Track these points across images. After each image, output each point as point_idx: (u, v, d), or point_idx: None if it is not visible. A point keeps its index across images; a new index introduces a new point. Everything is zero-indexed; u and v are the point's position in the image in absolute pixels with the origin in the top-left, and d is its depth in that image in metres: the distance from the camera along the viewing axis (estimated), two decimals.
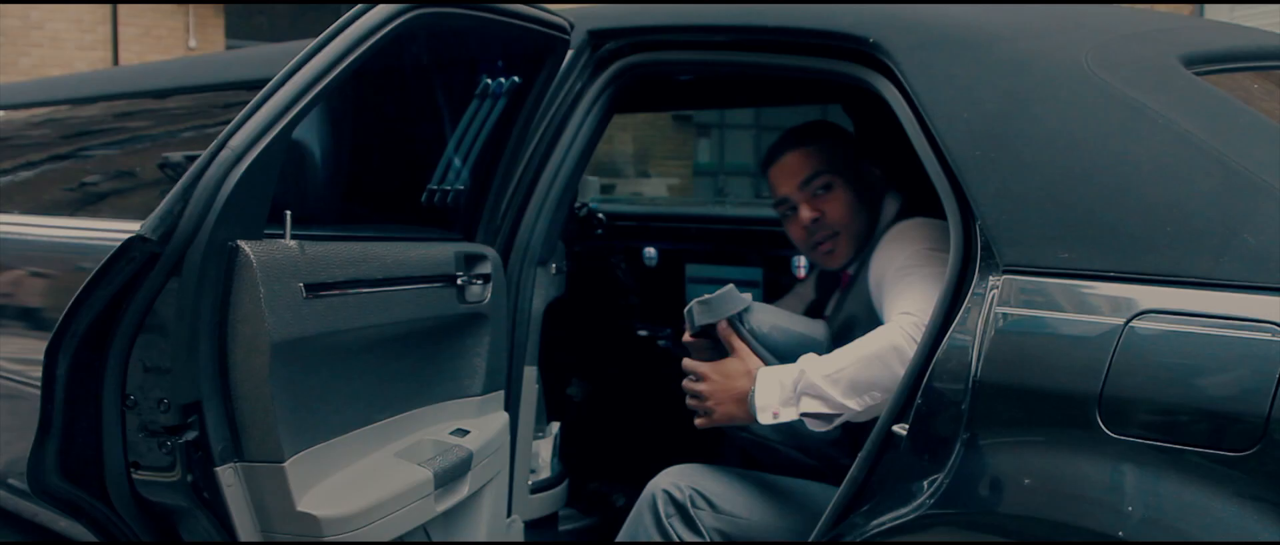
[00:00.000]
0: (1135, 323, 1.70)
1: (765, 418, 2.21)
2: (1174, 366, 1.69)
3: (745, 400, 2.25)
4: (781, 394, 2.20)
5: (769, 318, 2.42)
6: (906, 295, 2.20)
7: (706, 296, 2.37)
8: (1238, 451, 1.58)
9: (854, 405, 2.12)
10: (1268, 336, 1.58)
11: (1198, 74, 2.03)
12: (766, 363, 2.32)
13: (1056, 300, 1.81)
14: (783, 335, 2.39)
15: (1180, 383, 1.67)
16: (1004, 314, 1.83)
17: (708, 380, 2.32)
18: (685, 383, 2.37)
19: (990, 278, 1.86)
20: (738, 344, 2.32)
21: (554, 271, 2.75)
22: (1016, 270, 1.84)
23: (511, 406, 2.63)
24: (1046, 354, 1.80)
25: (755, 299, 2.39)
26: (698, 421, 2.35)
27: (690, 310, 2.40)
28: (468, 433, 2.44)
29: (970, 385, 1.82)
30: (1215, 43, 2.28)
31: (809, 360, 2.20)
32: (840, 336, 2.43)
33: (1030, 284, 1.83)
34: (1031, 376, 1.79)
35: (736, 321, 2.34)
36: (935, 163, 2.01)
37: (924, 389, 1.90)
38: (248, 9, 14.72)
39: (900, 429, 1.94)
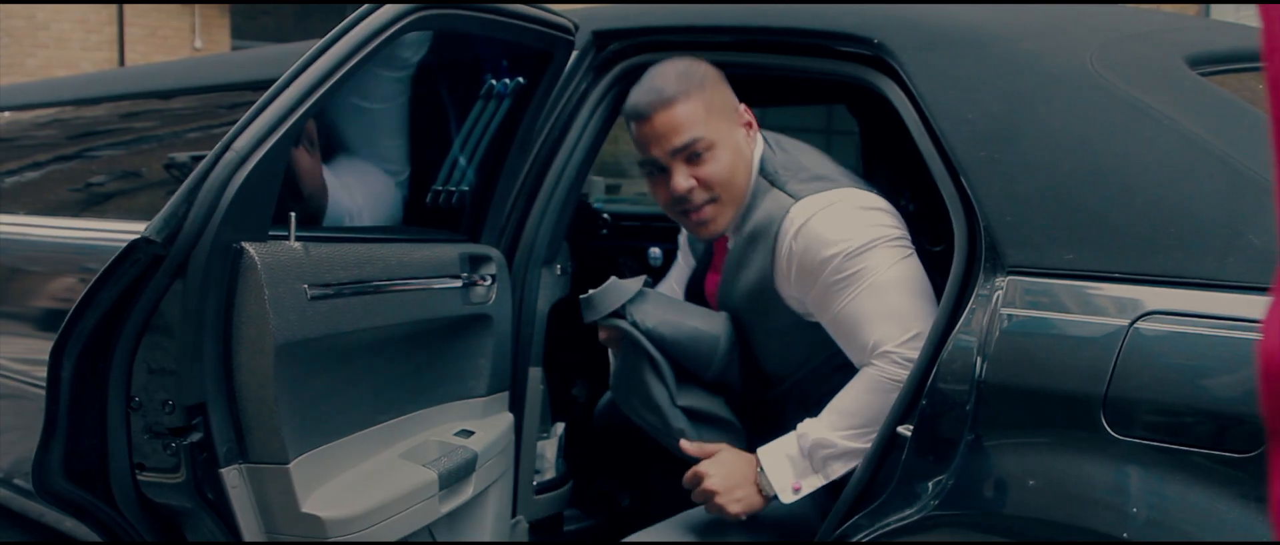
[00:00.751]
0: (1140, 324, 1.69)
1: (788, 496, 2.14)
2: (1179, 368, 1.68)
3: (750, 483, 2.17)
4: (795, 467, 2.14)
5: (658, 311, 2.34)
6: (874, 323, 2.11)
7: (590, 292, 2.33)
8: (1242, 453, 1.58)
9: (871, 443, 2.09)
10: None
11: (1202, 74, 2.03)
12: (655, 360, 2.30)
13: (1061, 301, 1.80)
14: (671, 330, 2.31)
15: (1185, 384, 1.66)
16: (1008, 315, 1.83)
17: (710, 478, 2.18)
18: (694, 493, 2.23)
19: (995, 279, 1.86)
20: (712, 448, 2.26)
21: (559, 272, 2.75)
22: (1021, 271, 1.84)
23: (516, 407, 2.63)
24: (1051, 355, 1.80)
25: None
26: (711, 509, 2.21)
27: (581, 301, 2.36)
28: (472, 433, 2.44)
29: (975, 386, 1.82)
30: (1220, 43, 2.27)
31: (813, 426, 2.14)
32: (739, 329, 2.37)
33: (1035, 285, 1.82)
34: (1036, 378, 1.79)
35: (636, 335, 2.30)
36: (940, 164, 2.01)
37: (928, 390, 1.89)
38: (253, 9, 14.74)
39: (904, 430, 1.93)
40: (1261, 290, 1.63)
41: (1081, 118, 1.93)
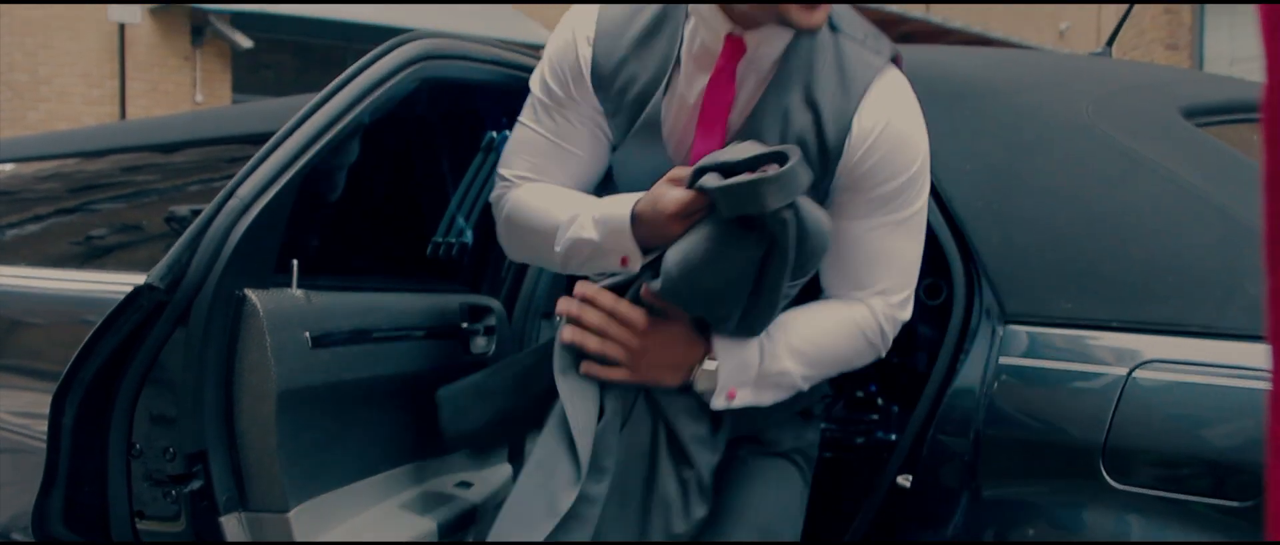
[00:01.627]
0: (1138, 373, 1.70)
1: (720, 400, 1.81)
2: (1177, 416, 1.69)
3: (682, 368, 1.81)
4: (741, 375, 1.81)
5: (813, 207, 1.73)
6: (890, 266, 1.85)
7: (774, 172, 1.63)
8: (1241, 502, 1.58)
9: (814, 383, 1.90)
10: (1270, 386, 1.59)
11: (1198, 126, 2.05)
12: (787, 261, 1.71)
13: (1060, 351, 1.81)
14: (814, 224, 1.71)
15: (1183, 433, 1.67)
16: (1008, 365, 1.83)
17: (644, 337, 1.80)
18: (610, 329, 1.82)
19: (994, 328, 1.87)
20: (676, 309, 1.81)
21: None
22: (1020, 321, 1.85)
23: (515, 459, 2.63)
24: (1050, 405, 1.81)
25: None
26: (613, 373, 1.82)
27: (756, 186, 1.62)
28: (471, 485, 2.44)
29: (974, 436, 1.83)
30: (1215, 95, 2.29)
31: (784, 349, 1.82)
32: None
33: (1034, 335, 1.83)
34: (1035, 427, 1.80)
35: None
36: (939, 214, 2.02)
37: (929, 441, 1.90)
38: (254, 63, 14.83)
39: (904, 481, 1.93)
40: (1258, 338, 1.64)
41: (1079, 169, 1.95)
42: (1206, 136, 2.02)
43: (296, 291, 2.04)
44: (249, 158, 1.98)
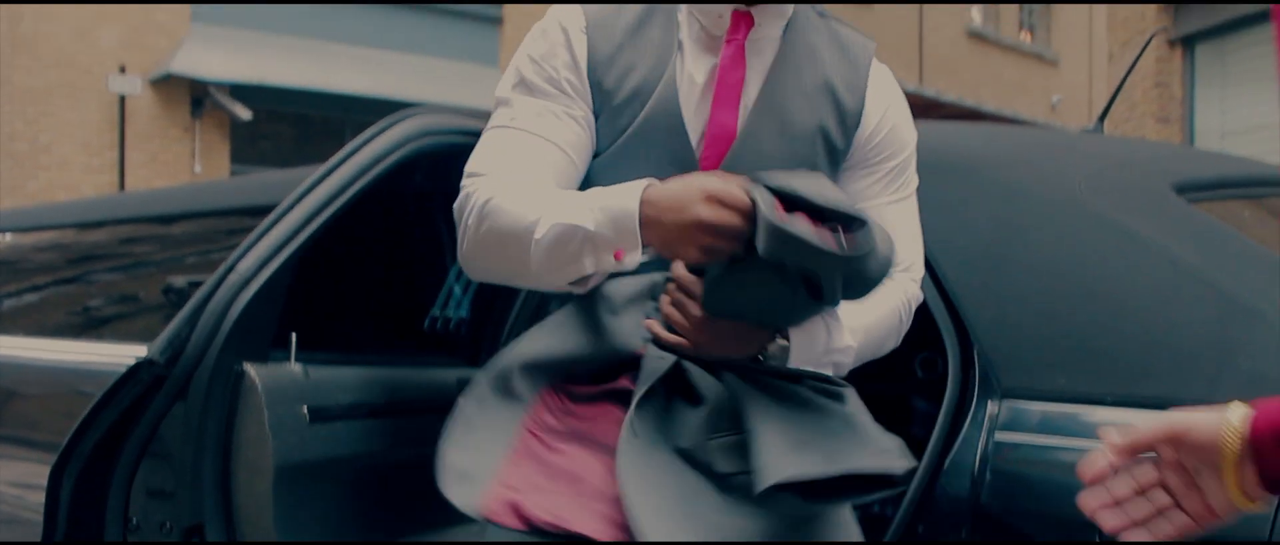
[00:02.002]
0: None
1: None
2: None
3: (750, 342, 1.71)
4: (810, 351, 1.74)
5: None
6: (910, 241, 1.85)
7: (869, 228, 1.54)
8: None
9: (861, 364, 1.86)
10: None
11: (1189, 202, 2.06)
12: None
13: (1055, 426, 1.81)
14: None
15: None
16: (1003, 440, 1.83)
17: (709, 330, 1.69)
18: (674, 299, 1.70)
19: (989, 403, 1.87)
20: None
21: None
22: (1015, 396, 1.85)
23: None
24: (1046, 480, 1.81)
25: None
26: (674, 339, 1.70)
27: (818, 254, 1.50)
28: None
29: (970, 511, 1.82)
30: (1206, 171, 2.32)
31: (840, 322, 1.76)
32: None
33: (1029, 410, 1.84)
34: (1031, 502, 1.79)
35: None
36: (933, 288, 2.03)
37: (925, 516, 1.89)
38: (253, 135, 14.89)
39: None
40: None
41: (1072, 244, 1.96)
42: (1198, 212, 2.03)
43: (294, 366, 2.04)
44: (247, 230, 2.00)
